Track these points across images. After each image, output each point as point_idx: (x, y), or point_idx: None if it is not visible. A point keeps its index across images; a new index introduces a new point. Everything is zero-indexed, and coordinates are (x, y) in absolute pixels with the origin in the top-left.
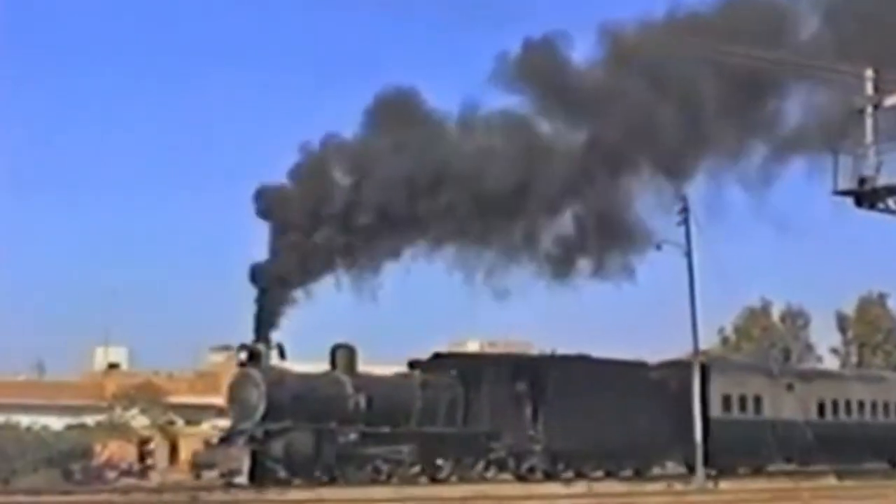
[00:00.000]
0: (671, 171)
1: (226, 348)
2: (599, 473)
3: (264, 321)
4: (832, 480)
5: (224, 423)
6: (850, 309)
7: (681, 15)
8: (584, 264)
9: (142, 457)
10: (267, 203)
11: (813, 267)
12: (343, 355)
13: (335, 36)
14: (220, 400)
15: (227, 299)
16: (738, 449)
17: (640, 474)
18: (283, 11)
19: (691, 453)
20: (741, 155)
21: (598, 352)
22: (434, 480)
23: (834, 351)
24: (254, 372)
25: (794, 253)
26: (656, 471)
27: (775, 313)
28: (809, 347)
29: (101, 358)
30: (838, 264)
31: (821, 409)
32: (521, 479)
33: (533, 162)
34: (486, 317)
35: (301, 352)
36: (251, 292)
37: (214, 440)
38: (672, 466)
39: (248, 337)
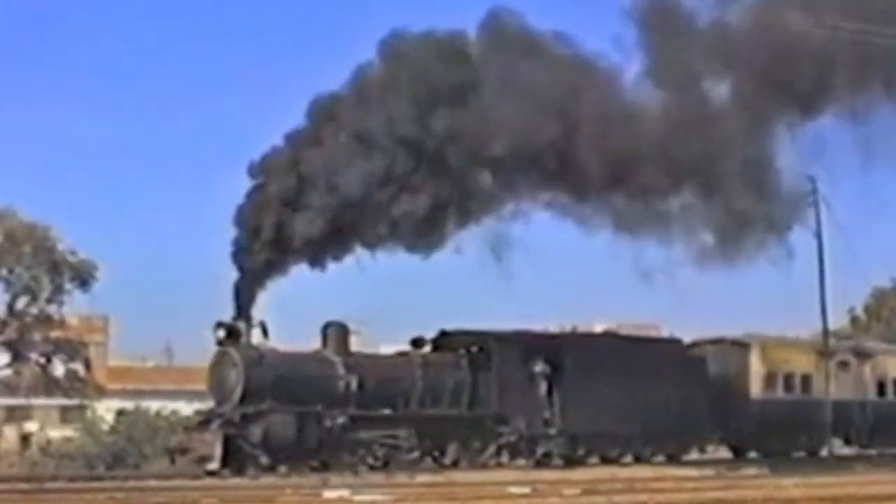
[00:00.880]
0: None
1: None
2: (627, 459)
3: (244, 296)
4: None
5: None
6: None
7: None
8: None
9: None
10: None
11: None
12: (334, 333)
13: None
14: None
15: None
16: (783, 431)
17: (673, 459)
18: None
19: (733, 436)
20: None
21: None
22: (442, 467)
23: None
24: (231, 351)
25: None
26: (694, 455)
27: None
28: None
29: None
30: None
31: (881, 387)
32: (538, 464)
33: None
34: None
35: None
36: None
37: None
38: (712, 450)
39: None
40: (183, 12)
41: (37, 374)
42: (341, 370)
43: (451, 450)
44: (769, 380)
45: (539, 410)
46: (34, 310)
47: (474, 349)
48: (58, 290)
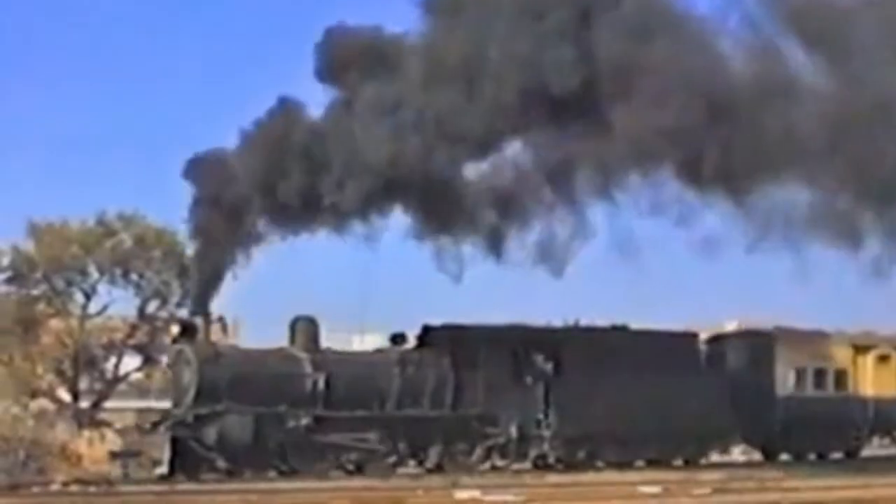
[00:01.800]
0: None
1: None
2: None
3: (201, 289)
4: None
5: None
6: None
7: None
8: None
9: None
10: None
11: None
12: (303, 329)
13: None
14: None
15: None
16: (813, 431)
17: (692, 462)
18: None
19: (757, 436)
20: None
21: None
22: (429, 471)
23: None
24: (186, 349)
25: None
26: (716, 458)
27: None
28: None
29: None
30: None
31: None
32: (536, 467)
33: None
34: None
35: None
36: None
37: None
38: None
39: None
40: None
41: (167, 377)
42: (308, 368)
43: (434, 452)
44: (797, 376)
45: (532, 410)
46: (164, 313)
47: (461, 345)
48: (187, 294)
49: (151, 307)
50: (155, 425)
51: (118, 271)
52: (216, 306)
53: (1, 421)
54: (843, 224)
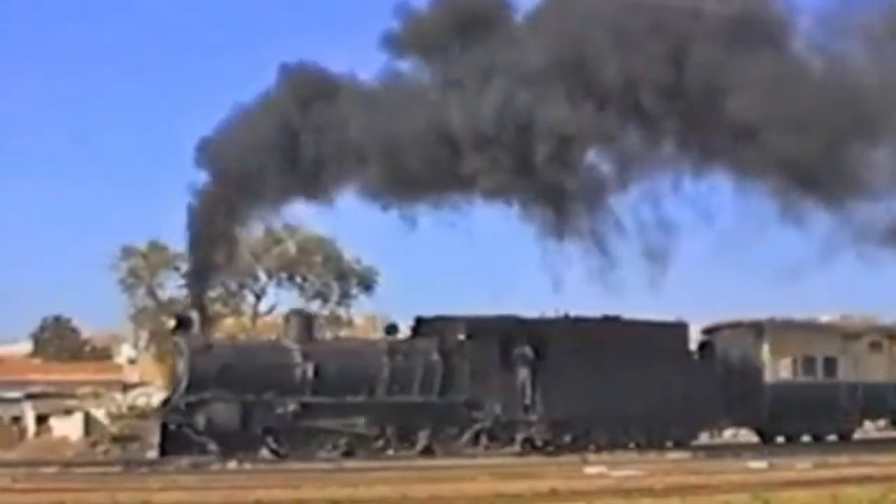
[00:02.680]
0: None
1: None
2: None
3: (196, 282)
4: None
5: None
6: None
7: None
8: None
9: None
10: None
11: None
12: (296, 322)
13: None
14: None
15: None
16: (801, 415)
17: (681, 444)
18: None
19: (748, 420)
20: None
21: None
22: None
23: None
24: (179, 340)
25: None
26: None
27: None
28: None
29: None
30: None
31: None
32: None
33: None
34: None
35: None
36: None
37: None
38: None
39: None
40: None
41: None
42: (298, 358)
43: (422, 437)
44: (784, 364)
45: (517, 396)
46: (325, 312)
47: (450, 335)
48: (345, 294)
49: (314, 307)
50: (156, 412)
51: (284, 275)
52: None
53: None
54: None
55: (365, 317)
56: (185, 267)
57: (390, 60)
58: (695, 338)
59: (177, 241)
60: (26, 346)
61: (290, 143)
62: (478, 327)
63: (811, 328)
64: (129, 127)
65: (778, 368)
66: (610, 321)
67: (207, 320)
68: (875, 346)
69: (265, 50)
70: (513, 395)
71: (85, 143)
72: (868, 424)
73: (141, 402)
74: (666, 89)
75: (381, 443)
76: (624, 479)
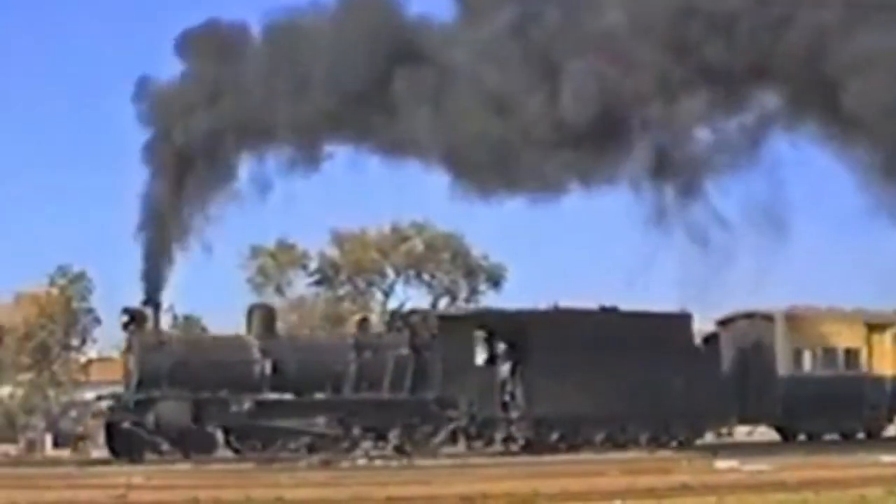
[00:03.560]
0: None
1: None
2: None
3: (151, 276)
4: None
5: None
6: None
7: None
8: None
9: None
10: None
11: None
12: (259, 316)
13: None
14: None
15: None
16: (820, 411)
17: (686, 443)
18: None
19: (760, 417)
20: None
21: None
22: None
23: None
24: (132, 338)
25: None
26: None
27: None
28: None
29: None
30: None
31: None
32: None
33: None
34: None
35: None
36: None
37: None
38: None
39: None
40: None
41: None
42: (256, 354)
43: (392, 436)
44: (800, 355)
45: (494, 393)
46: (452, 309)
47: (423, 329)
48: (473, 291)
49: (442, 304)
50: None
51: (412, 272)
52: None
53: None
54: None
55: None
56: (313, 265)
57: None
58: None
59: (305, 240)
60: None
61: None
62: (451, 321)
63: (831, 317)
64: None
65: (794, 361)
66: (603, 312)
67: (158, 315)
68: None
69: None
70: (490, 392)
71: None
72: None
73: None
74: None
75: (346, 443)
76: (756, 473)
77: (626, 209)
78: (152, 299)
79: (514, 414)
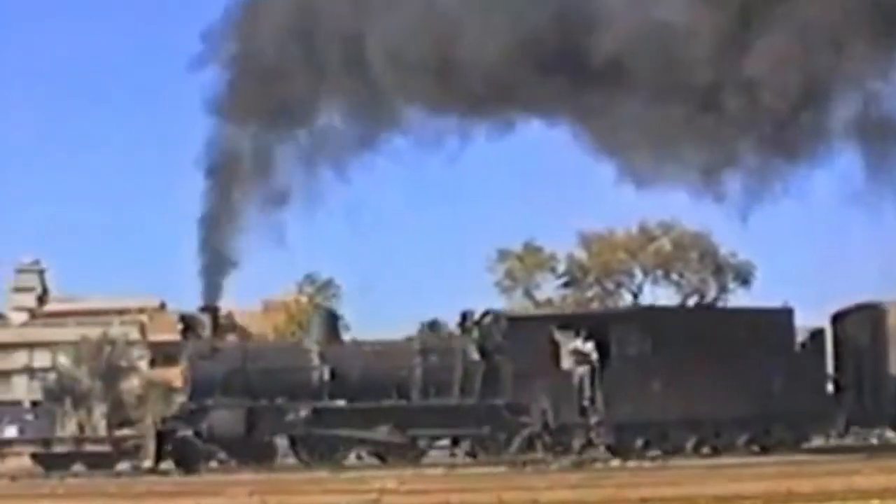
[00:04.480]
0: None
1: None
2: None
3: (210, 283)
4: None
5: None
6: None
7: None
8: None
9: None
10: None
11: None
12: (319, 321)
13: None
14: None
15: None
16: None
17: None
18: None
19: (871, 420)
20: None
21: None
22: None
23: None
24: (185, 346)
25: None
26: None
27: None
28: None
29: None
30: None
31: None
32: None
33: None
34: None
35: None
36: None
37: None
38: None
39: None
40: None
41: None
42: (315, 360)
43: (463, 443)
44: None
45: (571, 397)
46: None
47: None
48: (722, 289)
49: (690, 302)
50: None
51: (660, 272)
52: None
53: None
54: None
55: None
56: (561, 267)
57: None
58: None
59: (552, 242)
60: None
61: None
62: (522, 322)
63: None
64: None
65: None
66: (695, 310)
67: (218, 321)
68: None
69: None
70: (566, 397)
71: None
72: None
73: None
74: None
75: (412, 451)
76: None
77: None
78: (211, 303)
79: (593, 419)
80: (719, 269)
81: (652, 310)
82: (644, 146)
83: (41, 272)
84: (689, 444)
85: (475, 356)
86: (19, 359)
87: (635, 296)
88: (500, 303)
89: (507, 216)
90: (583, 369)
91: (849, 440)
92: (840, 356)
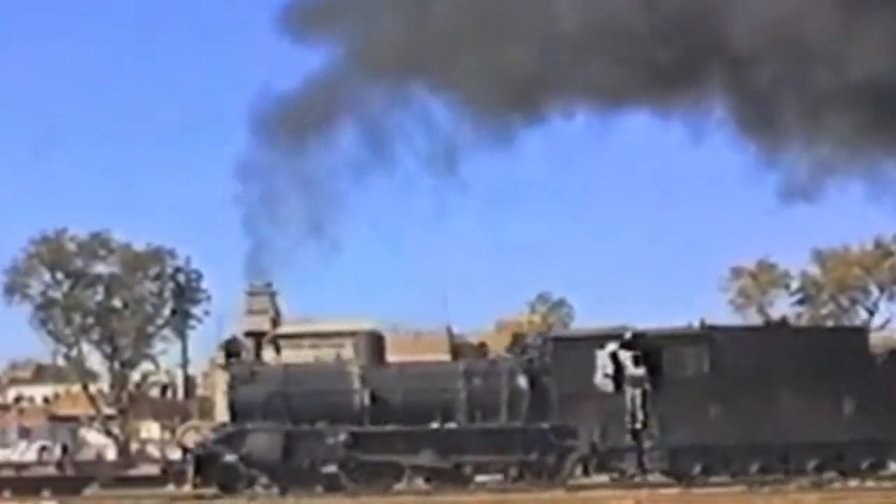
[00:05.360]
0: None
1: None
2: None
3: None
4: None
5: None
6: None
7: None
8: None
9: None
10: None
11: None
12: (365, 344)
13: None
14: None
15: None
16: None
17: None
18: None
19: None
20: None
21: None
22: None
23: None
24: (225, 371)
25: None
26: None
27: None
28: None
29: None
30: None
31: None
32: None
33: None
34: None
35: None
36: None
37: None
38: None
39: None
40: None
41: None
42: (356, 383)
43: (508, 468)
44: None
45: (623, 420)
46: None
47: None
48: None
49: None
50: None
51: None
52: None
53: None
54: None
55: None
56: (795, 284)
57: None
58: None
59: (786, 260)
60: None
61: None
62: (569, 343)
63: None
64: None
65: None
66: (758, 329)
67: (259, 346)
68: None
69: None
70: (617, 420)
71: None
72: None
73: None
74: None
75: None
76: None
77: None
78: (255, 330)
79: (646, 443)
80: None
81: (709, 329)
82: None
83: (272, 295)
84: (754, 469)
85: (522, 378)
86: None
87: (871, 313)
88: (735, 320)
89: (741, 234)
90: (634, 391)
91: None
92: None
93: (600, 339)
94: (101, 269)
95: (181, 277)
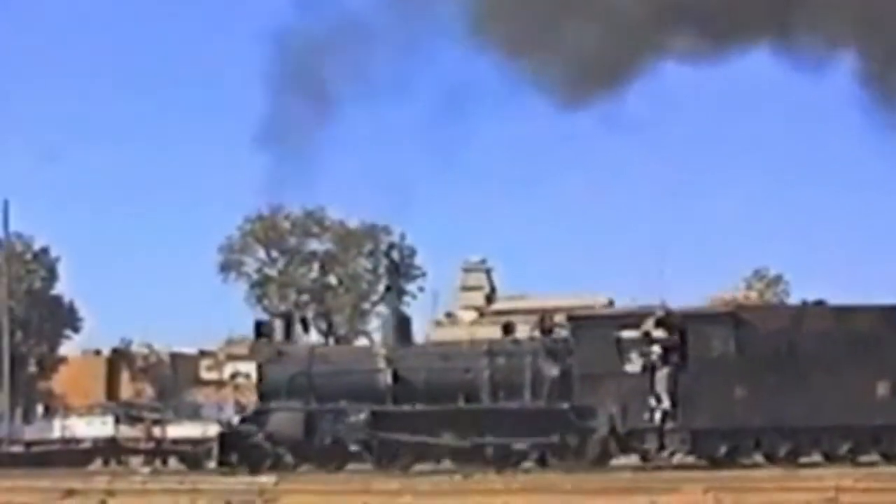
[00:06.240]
0: None
1: None
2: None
3: None
4: None
5: None
6: None
7: None
8: None
9: None
10: None
11: None
12: (391, 324)
13: None
14: None
15: None
16: None
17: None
18: None
19: None
20: None
21: None
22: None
23: None
24: (252, 351)
25: None
26: None
27: None
28: None
29: None
30: None
31: None
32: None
33: None
34: None
35: None
36: None
37: None
38: None
39: None
40: None
41: None
42: (380, 363)
43: (531, 449)
44: None
45: (645, 401)
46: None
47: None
48: None
49: None
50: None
51: None
52: None
53: None
54: None
55: None
56: None
57: None
58: None
59: None
60: None
61: None
62: (589, 322)
63: None
64: None
65: None
66: (787, 308)
67: (290, 327)
68: None
69: None
70: (638, 401)
71: None
72: None
73: None
74: None
75: (477, 454)
76: None
77: None
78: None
79: (668, 425)
80: None
81: (737, 308)
82: None
83: (488, 271)
84: (782, 452)
85: (543, 358)
86: None
87: None
88: None
89: None
90: (659, 372)
91: None
92: None
93: (623, 319)
94: (315, 246)
95: (395, 254)
